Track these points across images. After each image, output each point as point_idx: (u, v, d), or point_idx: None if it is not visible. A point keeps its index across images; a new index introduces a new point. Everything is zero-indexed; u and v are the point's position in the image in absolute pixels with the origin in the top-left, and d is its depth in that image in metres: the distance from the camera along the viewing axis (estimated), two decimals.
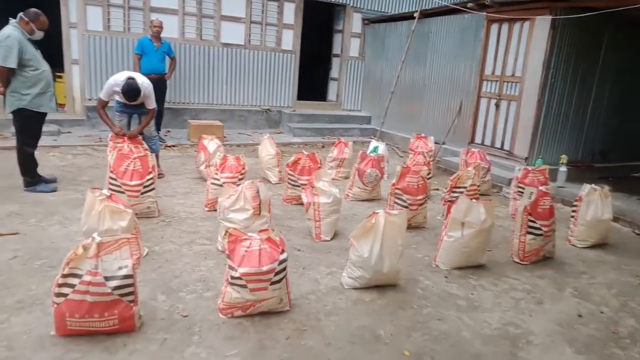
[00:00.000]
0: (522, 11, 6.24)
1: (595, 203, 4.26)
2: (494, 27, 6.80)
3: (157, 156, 5.46)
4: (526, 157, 6.37)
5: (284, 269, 2.74)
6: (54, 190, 4.73)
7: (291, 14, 9.16)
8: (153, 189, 4.26)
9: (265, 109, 9.37)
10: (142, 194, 4.14)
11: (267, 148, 5.83)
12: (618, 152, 7.15)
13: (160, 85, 6.79)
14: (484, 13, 6.81)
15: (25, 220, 3.98)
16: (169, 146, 7.34)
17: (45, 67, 4.54)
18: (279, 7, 9.02)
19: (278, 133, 9.19)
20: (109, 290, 2.34)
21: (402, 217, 3.18)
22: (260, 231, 2.83)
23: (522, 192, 4.94)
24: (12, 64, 4.25)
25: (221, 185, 4.51)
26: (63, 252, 3.40)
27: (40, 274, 3.09)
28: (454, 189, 4.60)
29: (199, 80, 8.69)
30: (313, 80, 10.46)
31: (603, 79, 6.58)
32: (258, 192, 3.60)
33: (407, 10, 9.92)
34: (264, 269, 2.64)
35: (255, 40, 9.02)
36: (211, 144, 5.58)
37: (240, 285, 2.65)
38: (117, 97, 5.10)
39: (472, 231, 3.52)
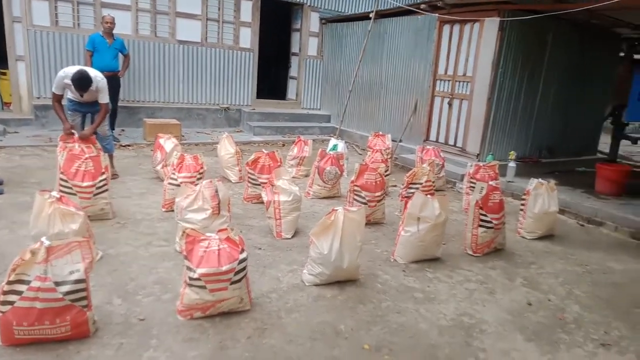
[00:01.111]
0: (472, 13, 6.46)
1: (542, 196, 4.48)
2: (446, 28, 7.01)
3: (111, 156, 5.31)
4: (478, 154, 6.62)
5: (244, 268, 2.73)
6: (0, 193, 4.49)
7: (248, 11, 9.08)
8: (106, 190, 4.12)
9: (225, 107, 9.25)
10: (94, 195, 4.00)
11: (227, 147, 5.77)
12: (563, 148, 7.54)
13: (113, 83, 6.59)
14: (436, 14, 7.01)
15: None
16: (124, 146, 7.12)
17: None
18: (235, 5, 8.92)
19: (238, 132, 9.10)
20: (60, 296, 2.26)
21: (361, 214, 3.23)
22: (219, 231, 2.81)
23: (474, 187, 5.15)
24: None
25: (178, 185, 4.42)
26: (10, 258, 3.23)
27: None
28: (410, 185, 4.72)
29: (154, 78, 8.46)
30: (272, 78, 10.41)
31: (548, 78, 6.92)
32: (217, 191, 3.56)
33: (363, 11, 10.04)
34: (224, 268, 2.62)
35: (213, 38, 8.88)
36: (168, 143, 5.46)
37: (199, 286, 2.62)
38: (69, 94, 4.92)
39: (427, 225, 3.63)
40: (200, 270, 2.59)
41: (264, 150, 5.09)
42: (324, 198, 5.31)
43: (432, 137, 7.41)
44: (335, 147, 6.47)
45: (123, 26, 7.78)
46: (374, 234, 4.33)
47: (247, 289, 2.83)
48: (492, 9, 6.17)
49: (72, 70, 4.67)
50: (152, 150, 5.98)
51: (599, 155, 8.26)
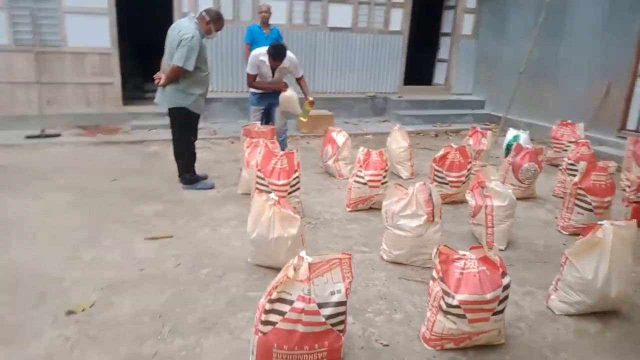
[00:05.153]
0: None
1: None
2: None
3: None
4: None
5: (507, 296, 2.27)
6: (212, 187, 4.63)
7: None
8: (298, 188, 3.96)
9: (372, 95, 8.88)
10: (289, 193, 3.85)
11: (398, 140, 5.34)
12: None
13: None
14: None
15: (173, 221, 3.83)
16: None
17: (208, 69, 4.42)
18: None
19: (383, 121, 8.68)
20: (323, 320, 2.01)
21: (632, 230, 2.57)
22: (472, 248, 2.37)
23: None
24: (191, 67, 4.10)
25: (365, 184, 4.13)
26: (223, 259, 3.21)
27: (210, 285, 2.87)
28: None
29: (305, 68, 8.32)
30: (418, 63, 9.76)
31: None
32: (430, 195, 3.14)
33: None
34: (488, 296, 2.19)
35: (363, 22, 8.50)
36: (339, 136, 5.21)
37: (457, 315, 2.22)
38: (251, 90, 4.96)
39: None
40: (460, 297, 2.19)
41: (453, 145, 4.53)
42: (518, 199, 4.63)
43: (632, 125, 6.22)
44: (516, 138, 5.69)
45: (277, 17, 7.75)
46: None
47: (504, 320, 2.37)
48: None
49: (262, 49, 4.76)
50: (306, 142, 5.81)
51: None
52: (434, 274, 2.34)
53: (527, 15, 7.78)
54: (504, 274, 2.27)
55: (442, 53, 9.57)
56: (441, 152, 4.43)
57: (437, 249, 2.29)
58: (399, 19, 8.68)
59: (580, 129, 5.77)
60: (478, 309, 2.20)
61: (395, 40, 8.78)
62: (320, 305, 2.00)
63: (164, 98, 4.31)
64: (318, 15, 8.19)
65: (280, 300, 2.00)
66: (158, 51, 4.55)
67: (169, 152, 5.13)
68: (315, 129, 7.27)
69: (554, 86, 7.47)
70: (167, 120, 4.59)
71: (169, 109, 4.36)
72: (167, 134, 4.71)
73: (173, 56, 4.09)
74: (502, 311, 2.26)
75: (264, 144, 4.41)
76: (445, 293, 2.22)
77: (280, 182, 3.80)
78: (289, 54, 4.75)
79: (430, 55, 9.94)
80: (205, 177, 4.85)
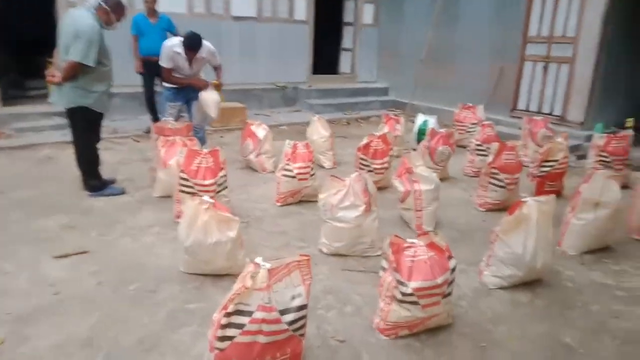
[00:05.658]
0: None
1: None
2: None
3: None
4: (582, 122, 6.09)
5: (454, 278, 2.35)
6: (123, 192, 4.19)
7: None
8: (226, 187, 3.76)
9: (281, 86, 8.76)
10: (217, 193, 3.63)
11: (319, 130, 5.32)
12: None
13: None
14: None
15: (85, 234, 3.41)
16: None
17: (110, 63, 3.93)
18: None
19: (295, 111, 8.63)
20: (285, 327, 1.91)
21: (552, 204, 2.82)
22: (419, 235, 2.42)
23: (605, 162, 4.69)
24: (92, 62, 3.61)
25: (294, 177, 4.05)
26: (152, 271, 2.93)
27: (142, 301, 2.61)
28: (544, 163, 4.27)
29: None
30: (325, 52, 9.83)
31: None
32: (366, 185, 3.16)
33: None
34: (439, 281, 2.25)
35: (267, 12, 8.31)
36: (260, 130, 5.05)
37: (411, 302, 2.25)
38: (164, 85, 4.60)
39: (607, 212, 3.20)
40: (414, 284, 2.22)
41: (374, 132, 4.63)
42: None
43: (522, 105, 6.88)
44: (425, 123, 5.99)
45: (176, 4, 7.29)
46: None
47: None
48: None
49: (175, 39, 4.45)
50: (219, 137, 5.59)
51: None
52: (385, 264, 2.35)
53: (424, 4, 8.19)
54: (450, 257, 2.34)
55: (346, 42, 9.74)
56: (365, 140, 4.49)
57: (389, 239, 2.29)
58: (303, 9, 8.63)
59: (480, 111, 6.24)
60: (430, 294, 2.25)
61: (301, 29, 8.73)
62: (282, 312, 1.89)
63: (61, 96, 3.80)
64: (221, 3, 7.83)
65: (238, 312, 1.85)
66: (39, 45, 3.98)
67: (64, 156, 4.58)
68: (227, 122, 7.00)
69: (453, 71, 7.98)
70: (57, 121, 4.07)
71: (68, 109, 3.86)
72: (60, 136, 4.18)
73: (69, 50, 3.61)
74: (450, 293, 2.34)
75: (181, 141, 4.14)
76: (399, 282, 2.24)
77: (207, 182, 3.56)
78: (205, 43, 4.47)
79: (335, 45, 10.06)
80: (113, 182, 4.41)
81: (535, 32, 6.55)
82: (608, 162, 4.64)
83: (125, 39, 6.29)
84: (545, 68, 6.49)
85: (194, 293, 2.70)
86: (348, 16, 9.58)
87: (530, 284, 2.88)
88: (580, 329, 2.48)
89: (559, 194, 4.22)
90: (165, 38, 6.07)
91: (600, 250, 3.35)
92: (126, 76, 7.25)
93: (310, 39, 8.90)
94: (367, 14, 9.44)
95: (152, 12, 6.07)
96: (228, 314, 1.85)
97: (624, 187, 4.11)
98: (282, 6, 8.45)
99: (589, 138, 5.59)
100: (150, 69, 5.99)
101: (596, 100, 6.02)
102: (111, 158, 5.27)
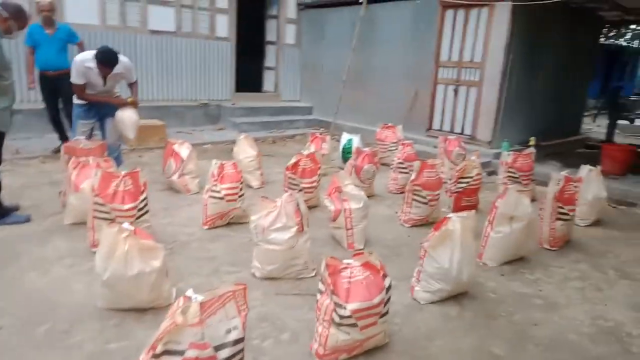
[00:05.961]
0: None
1: (593, 182, 4.48)
2: (449, 14, 6.86)
3: None
4: (489, 141, 6.59)
5: (390, 297, 2.37)
6: (28, 220, 3.76)
7: None
8: (147, 211, 3.52)
9: (203, 102, 8.52)
10: (137, 218, 3.38)
11: (246, 149, 5.21)
12: (555, 130, 7.75)
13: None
14: None
15: None
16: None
17: (12, 76, 3.53)
18: None
19: (219, 130, 8.43)
20: None
21: (473, 218, 2.97)
22: (355, 255, 2.41)
23: (514, 177, 5.08)
24: None
25: (222, 198, 3.90)
26: (65, 309, 2.64)
27: (55, 345, 2.33)
28: (460, 180, 4.52)
29: None
30: (248, 70, 9.75)
31: (547, 61, 7.03)
32: (298, 205, 3.12)
33: None
34: (375, 301, 2.25)
35: (187, 27, 8.09)
36: (182, 148, 4.83)
37: (350, 325, 2.23)
38: (75, 100, 4.25)
39: (521, 225, 3.44)
40: (352, 306, 2.20)
41: (302, 151, 4.62)
42: None
43: (436, 125, 7.30)
44: (350, 141, 6.11)
45: (88, 15, 6.86)
46: None
47: None
48: None
49: (87, 54, 4.11)
50: (138, 156, 5.29)
51: (582, 136, 8.64)
52: (322, 286, 2.31)
53: (344, 27, 8.46)
54: (384, 276, 2.36)
55: (269, 61, 9.75)
56: (293, 159, 4.47)
57: (325, 261, 2.26)
58: (225, 26, 8.53)
59: (399, 130, 6.51)
60: (367, 314, 2.24)
61: (223, 46, 8.60)
62: (217, 348, 1.77)
63: None
64: (136, 16, 7.49)
65: (168, 352, 1.70)
66: None
67: None
68: (145, 141, 6.64)
69: (372, 92, 8.29)
70: None
71: None
72: None
73: None
74: (387, 312, 2.36)
75: (95, 162, 3.82)
76: (337, 305, 2.21)
77: (126, 207, 3.31)
78: (122, 58, 4.21)
79: (259, 63, 10.03)
80: (16, 209, 3.96)
81: (447, 56, 7.02)
82: (516, 177, 5.02)
83: (25, 50, 5.76)
84: (456, 91, 6.97)
85: (114, 331, 2.46)
86: (271, 35, 9.61)
87: (457, 297, 2.99)
88: (505, 339, 2.61)
89: (475, 208, 4.49)
90: (64, 50, 5.73)
91: (517, 261, 3.59)
92: (32, 91, 6.67)
93: (232, 56, 8.79)
94: (289, 34, 9.55)
95: (49, 21, 5.55)
96: (156, 356, 1.69)
97: (532, 200, 4.48)
98: (203, 22, 8.28)
99: (497, 155, 6.07)
100: (48, 84, 5.55)
101: (501, 121, 6.56)
102: (14, 182, 4.75)
